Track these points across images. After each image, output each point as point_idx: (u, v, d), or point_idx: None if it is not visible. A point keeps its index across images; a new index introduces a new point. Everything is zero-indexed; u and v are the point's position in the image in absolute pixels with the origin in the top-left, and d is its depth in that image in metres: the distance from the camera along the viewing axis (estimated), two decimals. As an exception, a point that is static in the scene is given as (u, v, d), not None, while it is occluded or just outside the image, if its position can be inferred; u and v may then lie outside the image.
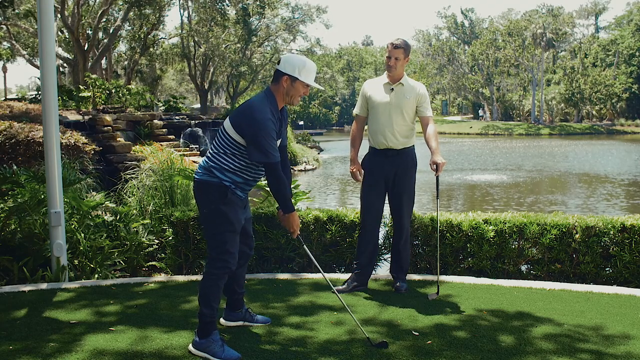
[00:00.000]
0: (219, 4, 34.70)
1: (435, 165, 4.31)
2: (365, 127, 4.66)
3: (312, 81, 3.32)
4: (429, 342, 3.42)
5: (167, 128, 18.27)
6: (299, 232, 3.45)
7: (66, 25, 25.38)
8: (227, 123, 3.27)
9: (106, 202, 6.23)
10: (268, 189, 6.21)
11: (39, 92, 14.81)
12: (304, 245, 3.58)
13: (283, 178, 3.26)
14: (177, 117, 20.70)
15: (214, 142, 3.35)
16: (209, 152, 3.34)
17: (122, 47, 37.61)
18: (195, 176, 3.34)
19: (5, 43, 33.55)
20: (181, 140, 18.76)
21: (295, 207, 5.92)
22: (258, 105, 3.22)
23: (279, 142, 3.38)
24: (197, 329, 3.26)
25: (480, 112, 66.65)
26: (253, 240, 3.62)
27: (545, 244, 4.88)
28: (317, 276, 4.94)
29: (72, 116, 14.85)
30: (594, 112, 61.88)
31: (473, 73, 65.30)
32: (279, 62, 3.32)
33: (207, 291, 3.23)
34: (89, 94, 18.45)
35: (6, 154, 9.02)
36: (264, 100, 3.25)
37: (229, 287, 3.60)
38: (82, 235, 5.38)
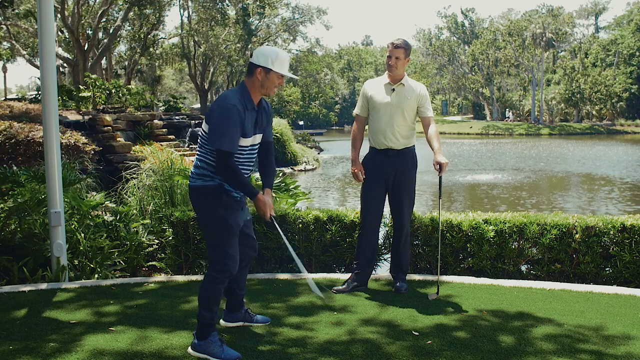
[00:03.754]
0: (219, 4, 34.72)
1: (438, 165, 4.31)
2: (366, 127, 4.66)
3: (285, 71, 3.30)
4: (429, 342, 3.42)
5: (167, 128, 18.27)
6: (272, 213, 3.32)
7: (66, 25, 25.39)
8: (203, 122, 3.30)
9: (106, 202, 6.24)
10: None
11: (39, 92, 14.79)
12: (278, 226, 3.36)
13: (235, 166, 3.16)
14: (177, 117, 20.70)
15: (198, 144, 3.36)
16: (196, 155, 3.35)
17: (122, 47, 37.63)
18: (190, 182, 3.34)
19: (5, 43, 33.53)
20: (187, 139, 18.79)
21: (296, 207, 5.97)
22: (227, 94, 3.24)
23: (258, 137, 3.35)
24: (196, 331, 3.25)
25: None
26: (255, 241, 3.62)
27: (545, 244, 4.88)
28: (317, 276, 4.93)
29: (72, 116, 14.83)
30: (594, 112, 61.89)
31: (473, 73, 65.33)
32: (251, 55, 3.32)
33: (208, 294, 3.23)
34: (89, 94, 18.44)
35: (6, 154, 9.02)
36: (236, 92, 3.26)
37: (230, 288, 3.60)
38: (82, 235, 5.38)
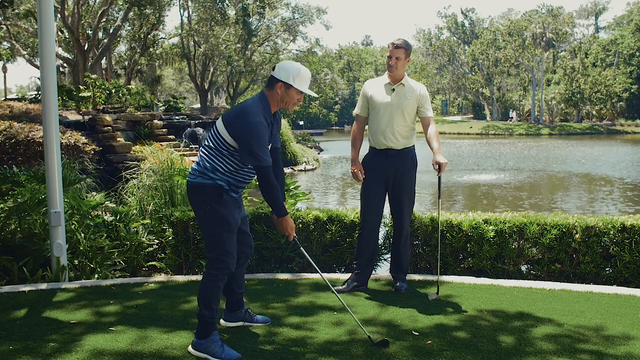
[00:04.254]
0: (219, 3, 34.71)
1: (437, 166, 4.31)
2: (366, 127, 4.66)
3: (306, 89, 3.33)
4: (429, 342, 3.42)
5: (167, 128, 18.27)
6: (295, 235, 3.46)
7: (66, 25, 25.39)
8: (220, 125, 3.27)
9: (106, 202, 6.23)
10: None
11: (39, 92, 14.79)
12: (301, 247, 3.59)
13: (274, 182, 3.26)
14: (177, 117, 20.70)
15: (205, 143, 3.36)
16: (201, 154, 3.34)
17: (122, 47, 37.62)
18: (189, 179, 3.34)
19: (5, 43, 33.54)
20: (185, 139, 18.78)
21: (296, 207, 5.97)
22: (252, 109, 3.23)
23: (267, 148, 3.40)
24: (197, 330, 3.26)
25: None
26: (251, 239, 3.63)
27: (545, 244, 4.88)
28: (317, 276, 4.93)
29: (72, 116, 14.83)
30: (593, 112, 61.89)
31: (473, 73, 65.32)
32: (274, 68, 3.34)
33: (207, 292, 3.23)
34: (89, 94, 18.44)
35: (6, 154, 9.02)
36: (258, 104, 3.27)
37: (229, 287, 3.60)
38: (82, 235, 5.38)
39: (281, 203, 3.34)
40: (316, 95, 3.64)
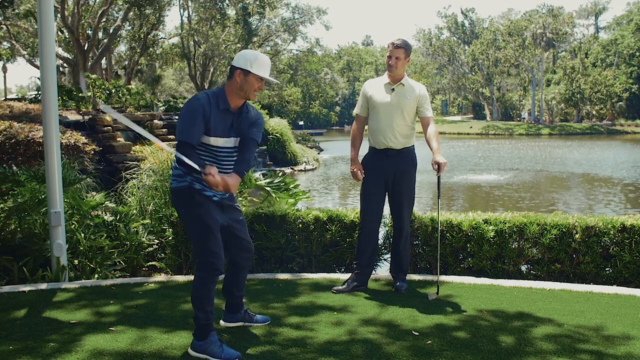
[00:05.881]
0: (219, 3, 34.72)
1: (437, 165, 4.31)
2: (365, 127, 4.67)
3: (265, 74, 3.27)
4: (429, 342, 3.42)
5: (167, 128, 18.26)
6: (231, 191, 3.18)
7: (66, 25, 25.38)
8: None
9: (106, 202, 6.23)
10: (268, 188, 6.22)
11: (39, 92, 14.77)
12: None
13: (188, 156, 3.09)
14: (176, 117, 20.67)
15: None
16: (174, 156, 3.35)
17: (122, 47, 37.63)
18: (170, 184, 3.39)
19: (5, 43, 33.54)
20: None
21: (296, 207, 5.97)
22: (198, 93, 3.28)
23: (234, 140, 3.30)
24: (194, 332, 3.26)
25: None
26: (251, 243, 3.57)
27: (545, 244, 4.89)
28: (317, 276, 4.94)
29: (72, 116, 14.81)
30: (594, 112, 61.89)
31: (473, 73, 65.33)
32: (233, 59, 3.33)
33: (199, 294, 3.23)
34: (89, 94, 18.43)
35: (6, 154, 9.01)
36: (211, 91, 3.28)
37: (228, 290, 3.60)
38: (82, 235, 5.38)
39: (194, 160, 3.09)
40: (277, 81, 3.59)
